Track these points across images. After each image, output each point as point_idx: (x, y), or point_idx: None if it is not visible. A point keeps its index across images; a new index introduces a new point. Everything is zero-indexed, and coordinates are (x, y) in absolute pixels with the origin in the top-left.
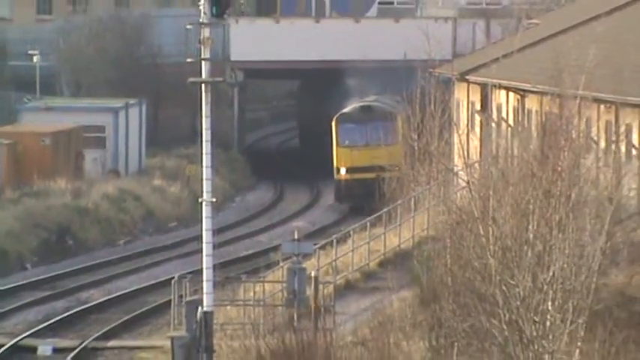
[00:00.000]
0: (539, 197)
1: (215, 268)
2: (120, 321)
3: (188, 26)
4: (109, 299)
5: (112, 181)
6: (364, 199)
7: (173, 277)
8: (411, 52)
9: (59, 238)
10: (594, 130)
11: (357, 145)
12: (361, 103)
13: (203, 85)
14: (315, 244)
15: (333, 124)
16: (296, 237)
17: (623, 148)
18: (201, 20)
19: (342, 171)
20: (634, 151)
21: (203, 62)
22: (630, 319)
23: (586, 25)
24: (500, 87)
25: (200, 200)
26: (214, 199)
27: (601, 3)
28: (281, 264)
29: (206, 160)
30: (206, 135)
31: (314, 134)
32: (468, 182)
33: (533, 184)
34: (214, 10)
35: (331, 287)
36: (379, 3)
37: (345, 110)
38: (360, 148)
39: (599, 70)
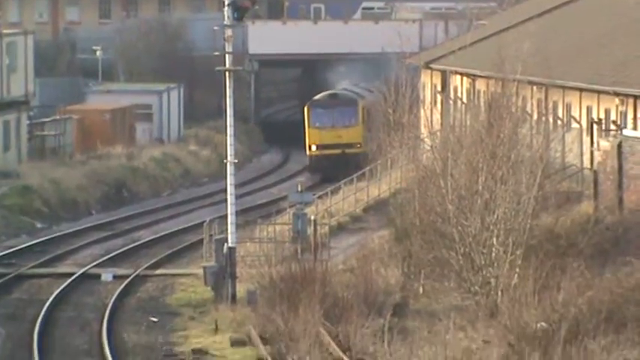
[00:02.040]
0: (486, 157)
1: (237, 213)
2: (164, 254)
3: (215, 27)
4: (155, 238)
5: (157, 146)
6: (331, 170)
7: (205, 221)
8: (387, 47)
9: (117, 190)
10: (528, 105)
11: (325, 127)
12: (329, 91)
13: (227, 73)
14: (314, 195)
15: (306, 109)
16: (299, 189)
17: (550, 120)
18: (225, 22)
19: (313, 148)
20: (558, 122)
21: (227, 55)
22: (556, 251)
23: (522, 25)
24: (456, 73)
25: (225, 161)
26: (236, 160)
27: (534, 7)
28: (288, 210)
29: (229, 130)
30: (230, 111)
31: None
32: (431, 146)
33: (482, 147)
34: (236, 15)
35: (327, 228)
36: (363, 9)
37: (316, 97)
38: (327, 128)
39: (532, 59)
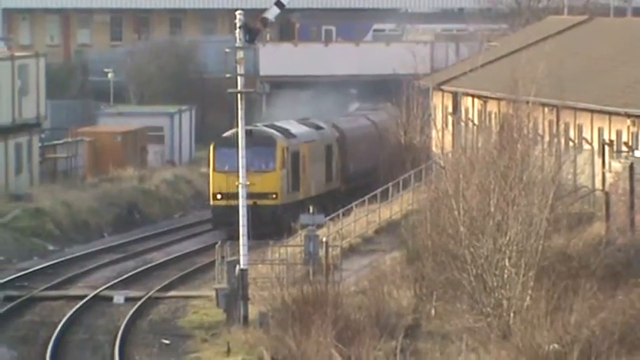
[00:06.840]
0: (498, 179)
1: (249, 235)
2: (176, 276)
3: (227, 50)
4: (167, 260)
5: (169, 169)
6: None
7: (217, 242)
8: (398, 68)
9: (129, 212)
10: (540, 127)
11: (233, 172)
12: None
13: (239, 95)
14: (325, 216)
15: (211, 148)
16: (311, 211)
17: (562, 141)
18: (237, 45)
19: (218, 197)
20: (570, 144)
21: (238, 77)
22: (568, 272)
23: (536, 45)
24: (468, 94)
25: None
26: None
27: (545, 29)
28: (300, 232)
29: (241, 152)
30: (241, 133)
31: None
32: (443, 168)
33: (494, 168)
34: (247, 37)
35: (338, 250)
36: (374, 30)
37: (224, 135)
38: (236, 174)
39: (544, 81)
